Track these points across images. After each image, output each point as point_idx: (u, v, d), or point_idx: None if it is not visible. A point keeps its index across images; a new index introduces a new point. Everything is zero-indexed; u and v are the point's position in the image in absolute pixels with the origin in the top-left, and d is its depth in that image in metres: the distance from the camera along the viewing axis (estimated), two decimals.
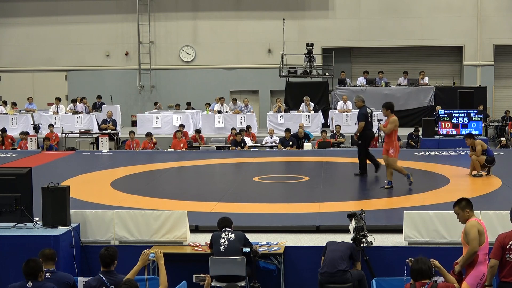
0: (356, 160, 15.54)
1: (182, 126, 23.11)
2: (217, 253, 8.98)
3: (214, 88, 29.24)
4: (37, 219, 9.67)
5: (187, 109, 27.63)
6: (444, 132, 21.25)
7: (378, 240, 9.50)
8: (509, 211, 7.76)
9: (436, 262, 7.41)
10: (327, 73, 27.17)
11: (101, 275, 7.28)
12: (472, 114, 21.28)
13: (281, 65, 26.81)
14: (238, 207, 12.23)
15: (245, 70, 30.12)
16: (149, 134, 21.69)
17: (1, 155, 19.10)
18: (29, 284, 6.88)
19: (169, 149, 21.18)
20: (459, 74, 29.93)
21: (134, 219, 9.94)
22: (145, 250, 7.50)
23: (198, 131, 23.48)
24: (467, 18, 29.30)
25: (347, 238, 9.27)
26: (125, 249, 9.48)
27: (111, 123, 24.31)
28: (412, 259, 7.27)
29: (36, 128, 23.57)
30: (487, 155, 14.99)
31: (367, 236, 9.09)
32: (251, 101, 28.44)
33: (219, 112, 25.32)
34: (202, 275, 6.93)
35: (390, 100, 26.38)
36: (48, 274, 7.36)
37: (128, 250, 9.44)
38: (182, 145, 21.36)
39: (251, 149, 21.18)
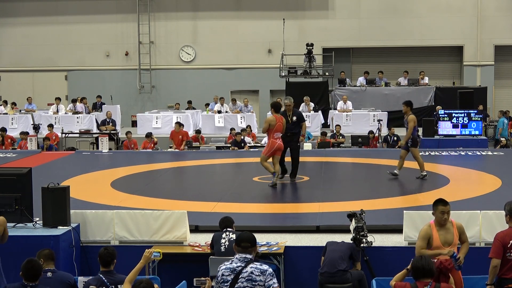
0: (357, 160, 15.52)
1: (178, 123, 23.00)
2: (218, 253, 8.97)
3: (214, 88, 29.23)
4: (37, 219, 9.67)
5: (187, 108, 27.63)
6: (444, 132, 21.25)
7: (378, 240, 9.50)
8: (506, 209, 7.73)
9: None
10: (327, 73, 27.17)
11: (101, 275, 7.28)
12: (472, 114, 21.29)
13: (281, 65, 26.81)
14: (238, 207, 12.23)
15: (245, 70, 30.13)
16: (149, 135, 21.68)
17: (1, 155, 19.09)
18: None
19: (169, 140, 21.34)
20: (459, 74, 29.94)
21: (134, 219, 9.94)
22: (148, 249, 7.50)
23: (198, 131, 23.49)
24: (467, 18, 29.30)
25: (347, 238, 9.26)
26: (125, 249, 9.48)
27: (110, 123, 24.29)
28: None
29: (36, 128, 23.57)
30: (412, 134, 14.46)
31: (367, 236, 9.09)
32: (251, 101, 28.45)
33: (219, 112, 25.33)
34: (202, 279, 6.92)
35: (389, 100, 26.81)
36: (49, 274, 7.36)
37: (128, 250, 9.44)
38: (181, 136, 21.34)
39: (251, 149, 21.17)
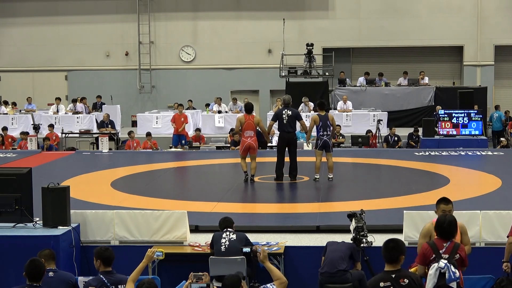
0: (357, 160, 15.51)
1: (181, 105, 23.19)
2: (218, 253, 8.97)
3: (214, 88, 29.25)
4: (37, 219, 9.65)
5: (188, 108, 27.63)
6: (444, 132, 21.23)
7: (378, 240, 9.48)
8: (510, 211, 7.85)
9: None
10: (327, 73, 27.16)
11: (101, 275, 7.28)
12: (472, 114, 21.28)
13: (281, 65, 26.81)
14: (238, 207, 12.24)
15: (245, 70, 30.13)
16: (149, 134, 21.72)
17: (1, 155, 19.09)
18: None
19: (171, 122, 22.47)
20: (459, 74, 29.95)
21: (134, 219, 9.93)
22: (150, 248, 7.51)
23: (198, 129, 23.47)
24: (467, 18, 29.30)
25: (347, 238, 9.27)
26: (125, 249, 9.49)
27: (109, 125, 24.23)
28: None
29: (36, 128, 23.57)
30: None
31: (367, 236, 9.08)
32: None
33: (219, 112, 25.33)
34: (199, 273, 6.91)
35: (389, 100, 26.80)
36: (50, 274, 7.37)
37: (128, 250, 9.44)
38: (182, 119, 21.92)
39: None
